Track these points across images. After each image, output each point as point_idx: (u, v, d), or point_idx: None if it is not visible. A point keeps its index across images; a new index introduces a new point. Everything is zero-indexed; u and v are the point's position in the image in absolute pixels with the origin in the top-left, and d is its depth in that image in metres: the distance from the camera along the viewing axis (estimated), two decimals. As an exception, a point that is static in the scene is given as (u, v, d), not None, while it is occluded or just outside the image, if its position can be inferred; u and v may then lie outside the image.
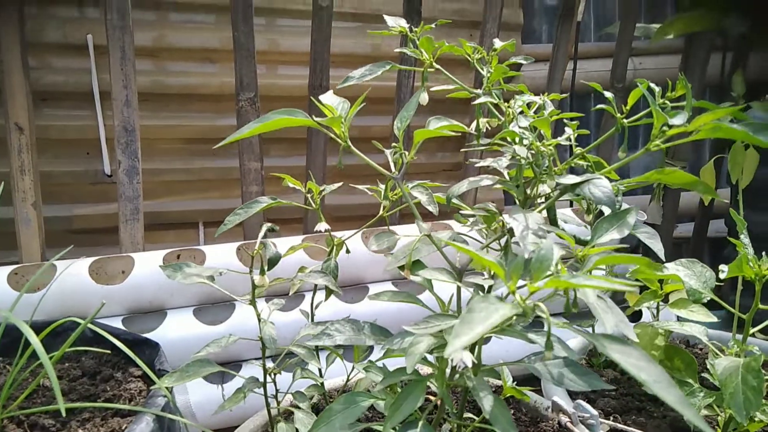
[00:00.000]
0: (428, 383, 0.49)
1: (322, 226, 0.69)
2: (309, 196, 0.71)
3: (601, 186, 0.51)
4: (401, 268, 0.56)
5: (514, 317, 0.48)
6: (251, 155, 1.50)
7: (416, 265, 0.56)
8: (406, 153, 0.56)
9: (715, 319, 0.76)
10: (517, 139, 0.52)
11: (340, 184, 0.71)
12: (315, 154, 1.56)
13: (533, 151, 0.52)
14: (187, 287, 1.33)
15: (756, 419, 0.70)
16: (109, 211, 1.79)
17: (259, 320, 0.61)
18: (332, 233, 0.73)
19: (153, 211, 1.83)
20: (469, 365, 0.43)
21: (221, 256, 1.34)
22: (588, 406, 0.78)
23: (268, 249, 0.58)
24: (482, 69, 0.64)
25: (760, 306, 0.67)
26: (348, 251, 0.73)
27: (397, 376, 0.51)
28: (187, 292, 1.33)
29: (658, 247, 0.67)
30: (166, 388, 0.61)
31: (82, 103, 1.70)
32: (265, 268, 0.60)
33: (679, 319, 0.84)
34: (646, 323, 0.82)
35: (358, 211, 2.01)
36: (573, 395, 0.86)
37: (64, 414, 0.50)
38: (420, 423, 0.46)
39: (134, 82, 1.33)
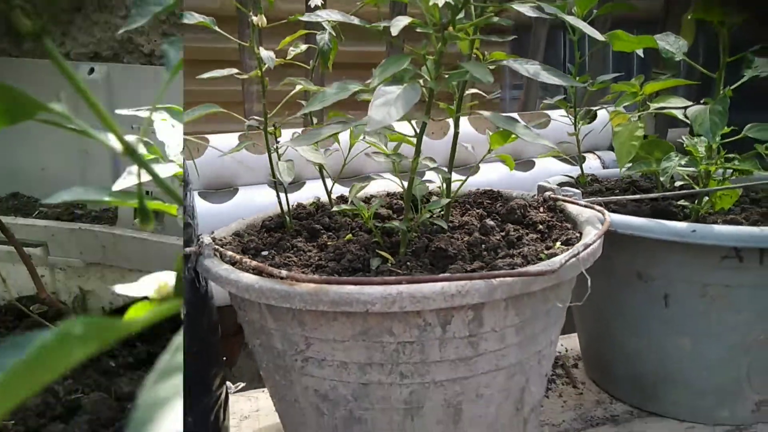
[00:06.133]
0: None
1: (318, -1, 0.73)
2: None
3: None
4: None
5: None
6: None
7: None
8: None
9: (690, 103, 0.80)
10: None
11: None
12: None
13: None
14: (192, 174, 1.38)
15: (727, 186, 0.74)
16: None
17: (259, 61, 0.66)
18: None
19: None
20: None
21: (226, 142, 1.39)
22: (572, 189, 0.82)
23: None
24: None
25: (728, 59, 0.71)
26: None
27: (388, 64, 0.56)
28: (192, 177, 1.38)
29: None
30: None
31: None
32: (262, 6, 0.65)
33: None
34: (625, 115, 0.86)
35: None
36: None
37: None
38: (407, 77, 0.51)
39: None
